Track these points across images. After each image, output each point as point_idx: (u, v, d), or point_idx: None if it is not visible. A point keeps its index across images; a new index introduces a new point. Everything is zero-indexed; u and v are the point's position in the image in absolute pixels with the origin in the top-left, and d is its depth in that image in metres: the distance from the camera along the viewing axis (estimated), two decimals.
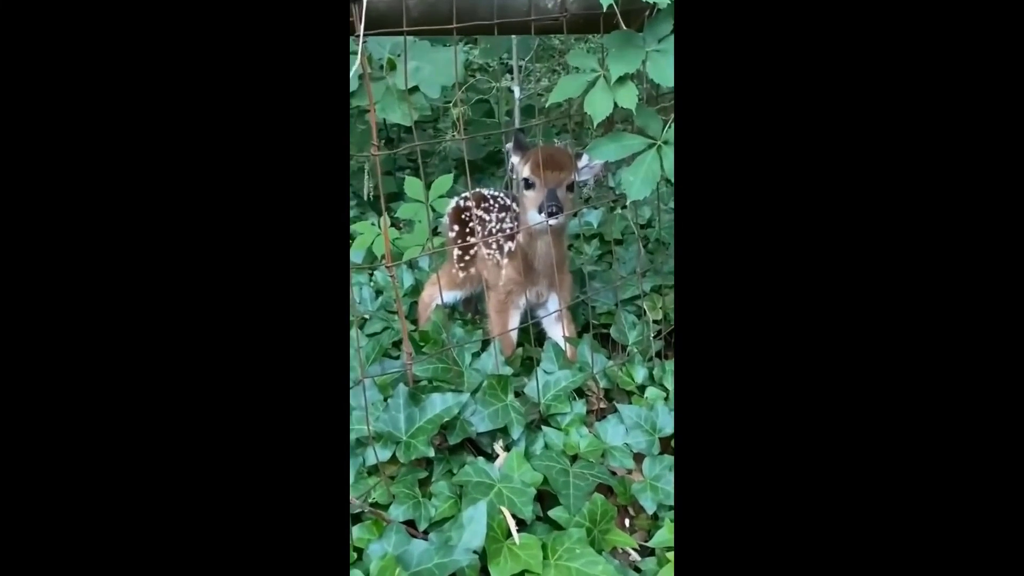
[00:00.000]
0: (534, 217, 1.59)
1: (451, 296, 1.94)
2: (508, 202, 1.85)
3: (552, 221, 1.56)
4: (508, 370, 1.57)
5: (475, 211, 1.85)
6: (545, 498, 1.36)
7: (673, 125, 1.41)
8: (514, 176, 1.76)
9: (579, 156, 1.63)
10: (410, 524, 1.26)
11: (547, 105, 1.76)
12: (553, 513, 1.30)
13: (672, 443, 1.50)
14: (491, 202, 1.86)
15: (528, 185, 1.60)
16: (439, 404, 1.37)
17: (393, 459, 1.34)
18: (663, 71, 1.31)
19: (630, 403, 1.60)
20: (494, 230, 1.80)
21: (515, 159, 1.68)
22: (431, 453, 1.32)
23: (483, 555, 1.18)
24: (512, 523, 1.25)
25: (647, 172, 1.39)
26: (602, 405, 1.65)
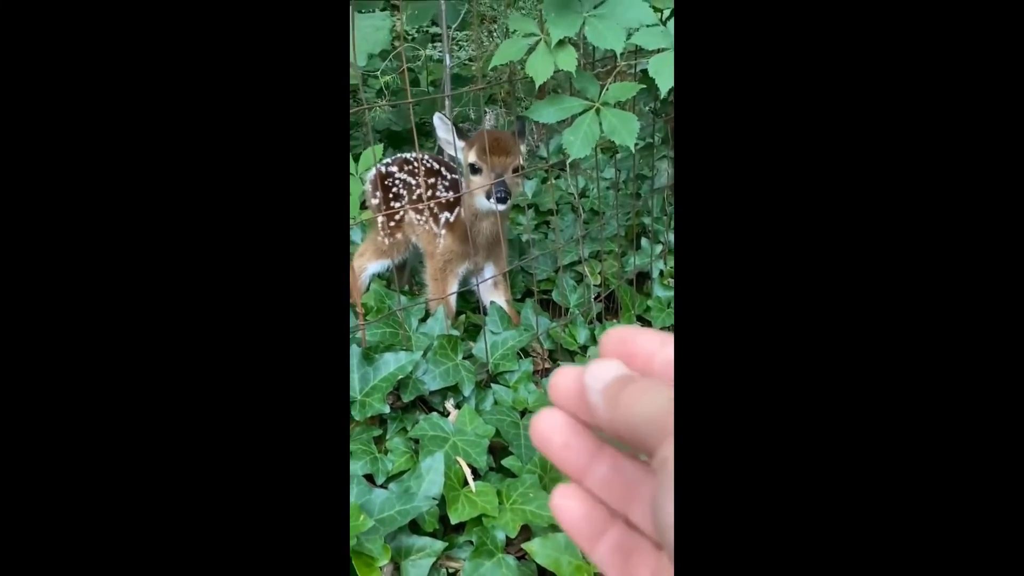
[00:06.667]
0: (483, 203, 1.75)
1: (379, 265, 2.08)
2: (436, 166, 1.98)
3: (501, 207, 1.72)
4: (456, 332, 1.75)
5: (399, 175, 2.00)
6: (497, 450, 1.54)
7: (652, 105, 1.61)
8: (450, 153, 1.90)
9: (520, 135, 1.81)
10: (368, 479, 1.43)
11: (490, 68, 1.94)
12: (506, 462, 1.49)
13: None
14: (415, 165, 1.97)
15: (475, 171, 1.76)
16: (392, 363, 1.54)
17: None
18: (600, 34, 1.52)
19: (573, 362, 1.80)
20: (422, 195, 1.93)
21: (460, 144, 1.82)
22: (387, 410, 1.49)
23: (442, 502, 1.36)
24: (468, 472, 1.43)
25: (586, 133, 1.59)
26: (546, 365, 1.85)
